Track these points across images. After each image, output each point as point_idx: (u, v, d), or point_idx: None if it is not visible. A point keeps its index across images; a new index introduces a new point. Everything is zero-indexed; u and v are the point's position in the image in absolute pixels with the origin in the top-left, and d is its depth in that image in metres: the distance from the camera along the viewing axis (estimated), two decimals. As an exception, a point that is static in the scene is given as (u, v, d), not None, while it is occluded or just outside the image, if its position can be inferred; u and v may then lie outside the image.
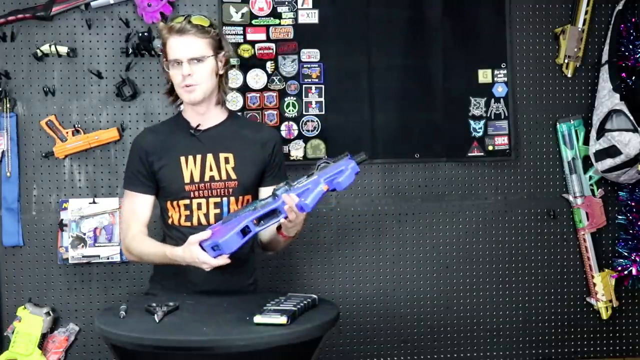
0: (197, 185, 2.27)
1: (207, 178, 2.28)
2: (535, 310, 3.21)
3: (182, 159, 2.29)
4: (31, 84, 2.97)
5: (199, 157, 2.30)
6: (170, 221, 2.33)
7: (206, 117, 2.33)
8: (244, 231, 2.06)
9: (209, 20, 2.29)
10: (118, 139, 2.99)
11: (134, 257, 2.33)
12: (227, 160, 2.30)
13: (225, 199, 2.28)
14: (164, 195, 2.32)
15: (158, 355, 1.83)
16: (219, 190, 2.29)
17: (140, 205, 2.32)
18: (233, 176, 2.30)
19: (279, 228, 2.22)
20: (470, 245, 3.19)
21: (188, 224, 2.29)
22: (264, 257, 2.96)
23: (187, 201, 2.28)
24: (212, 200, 2.28)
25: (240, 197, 2.31)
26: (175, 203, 2.30)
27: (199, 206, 2.28)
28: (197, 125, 2.32)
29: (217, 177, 2.29)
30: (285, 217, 2.08)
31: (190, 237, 2.12)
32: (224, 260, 2.08)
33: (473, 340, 3.19)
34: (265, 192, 2.35)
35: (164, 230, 2.38)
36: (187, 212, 2.28)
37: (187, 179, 2.27)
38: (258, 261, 2.52)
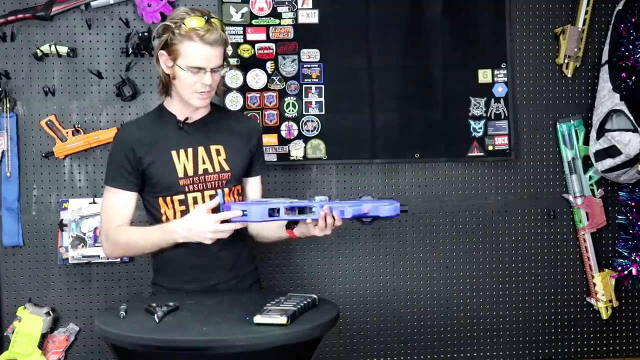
0: (191, 179, 2.25)
1: (200, 171, 2.26)
2: (535, 310, 3.21)
3: (174, 153, 2.25)
4: (31, 84, 2.97)
5: (190, 150, 2.27)
6: (164, 219, 2.27)
7: (196, 111, 2.31)
8: (273, 212, 2.07)
9: (220, 21, 2.24)
10: (118, 139, 2.99)
11: (120, 247, 2.28)
12: (218, 152, 2.29)
13: (219, 190, 2.24)
14: (155, 192, 2.27)
15: (158, 355, 1.83)
16: (213, 182, 2.27)
17: (124, 203, 2.26)
18: (226, 167, 2.29)
19: (289, 226, 2.22)
20: (470, 245, 3.19)
21: None
22: (264, 257, 2.97)
23: (181, 196, 2.25)
24: (207, 193, 2.26)
25: (233, 188, 2.31)
26: (168, 199, 2.26)
27: (195, 200, 2.25)
28: (185, 119, 2.29)
29: (210, 170, 2.27)
30: (314, 220, 2.10)
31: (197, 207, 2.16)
32: (241, 225, 2.10)
33: (473, 340, 3.19)
34: (251, 182, 2.39)
35: None
36: (183, 208, 2.25)
37: (180, 173, 2.24)
38: (257, 253, 2.51)
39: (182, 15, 2.19)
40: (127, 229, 2.25)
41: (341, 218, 2.11)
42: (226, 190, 2.28)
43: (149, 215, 2.32)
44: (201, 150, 2.28)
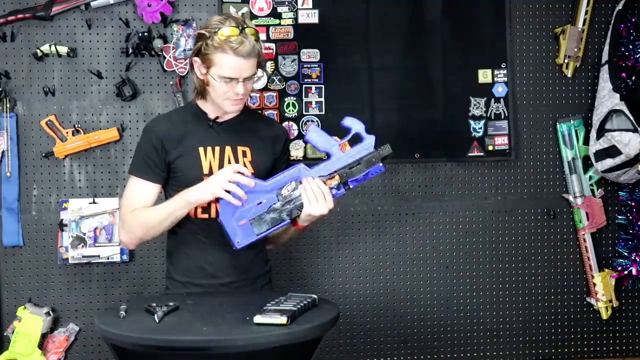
0: None
1: None
2: (535, 310, 3.22)
3: (201, 149, 2.27)
4: (31, 84, 2.98)
5: (217, 148, 2.28)
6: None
7: (228, 112, 2.33)
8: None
9: (254, 29, 2.24)
10: (118, 139, 2.99)
11: (136, 229, 2.24)
12: (244, 154, 2.30)
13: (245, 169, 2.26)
14: (178, 186, 2.27)
15: (158, 355, 1.83)
16: None
17: (146, 193, 2.26)
18: (251, 170, 2.29)
19: (294, 220, 2.22)
20: (470, 245, 3.19)
21: (205, 215, 2.26)
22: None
23: None
24: None
25: None
26: None
27: (217, 199, 2.24)
28: (216, 118, 2.31)
29: None
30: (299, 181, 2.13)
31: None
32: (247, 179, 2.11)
33: (473, 340, 3.19)
34: None
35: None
36: (204, 205, 2.25)
37: (205, 170, 2.25)
38: (272, 253, 2.51)
39: (216, 25, 2.19)
40: (142, 209, 2.24)
41: (327, 176, 2.13)
42: None
43: None
44: (228, 150, 2.29)
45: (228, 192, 2.12)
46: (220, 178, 2.12)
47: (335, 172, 2.16)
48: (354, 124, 2.19)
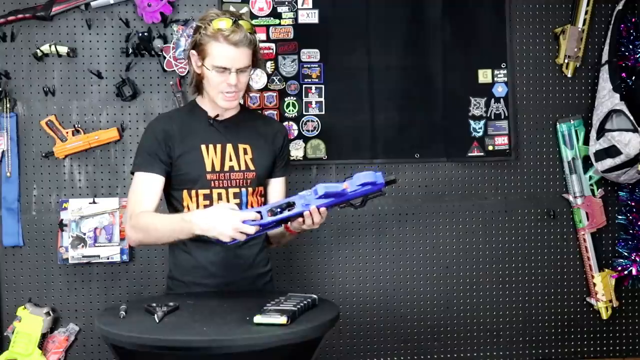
0: (217, 174, 2.27)
1: (226, 168, 2.28)
2: (535, 310, 3.22)
3: (203, 147, 2.28)
4: (31, 84, 2.98)
5: (219, 146, 2.30)
6: (186, 212, 2.26)
7: (226, 110, 2.33)
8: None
9: (250, 23, 2.26)
10: (118, 139, 2.99)
11: (139, 231, 2.21)
12: (245, 151, 2.32)
13: (244, 189, 2.29)
14: (180, 184, 2.28)
15: (158, 355, 1.83)
16: (238, 180, 2.29)
17: (153, 187, 2.24)
18: (251, 167, 2.31)
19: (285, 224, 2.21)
20: (470, 245, 3.19)
21: None
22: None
23: (207, 191, 2.27)
24: (231, 190, 2.28)
25: (256, 188, 2.33)
26: (193, 192, 2.27)
27: (219, 196, 2.26)
28: (216, 116, 2.33)
29: (236, 168, 2.29)
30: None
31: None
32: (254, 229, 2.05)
33: (473, 340, 3.19)
34: (273, 183, 2.40)
35: None
36: (207, 202, 2.26)
37: (208, 168, 2.27)
38: (272, 253, 2.51)
39: (211, 17, 2.23)
40: (149, 214, 2.22)
41: (324, 206, 2.08)
42: (250, 190, 2.30)
43: (171, 208, 2.33)
44: (229, 147, 2.30)
45: None
46: (228, 230, 2.03)
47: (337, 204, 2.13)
48: (367, 179, 2.09)
